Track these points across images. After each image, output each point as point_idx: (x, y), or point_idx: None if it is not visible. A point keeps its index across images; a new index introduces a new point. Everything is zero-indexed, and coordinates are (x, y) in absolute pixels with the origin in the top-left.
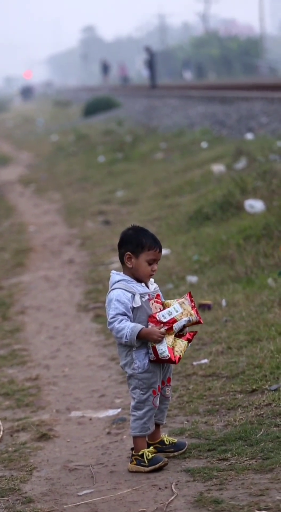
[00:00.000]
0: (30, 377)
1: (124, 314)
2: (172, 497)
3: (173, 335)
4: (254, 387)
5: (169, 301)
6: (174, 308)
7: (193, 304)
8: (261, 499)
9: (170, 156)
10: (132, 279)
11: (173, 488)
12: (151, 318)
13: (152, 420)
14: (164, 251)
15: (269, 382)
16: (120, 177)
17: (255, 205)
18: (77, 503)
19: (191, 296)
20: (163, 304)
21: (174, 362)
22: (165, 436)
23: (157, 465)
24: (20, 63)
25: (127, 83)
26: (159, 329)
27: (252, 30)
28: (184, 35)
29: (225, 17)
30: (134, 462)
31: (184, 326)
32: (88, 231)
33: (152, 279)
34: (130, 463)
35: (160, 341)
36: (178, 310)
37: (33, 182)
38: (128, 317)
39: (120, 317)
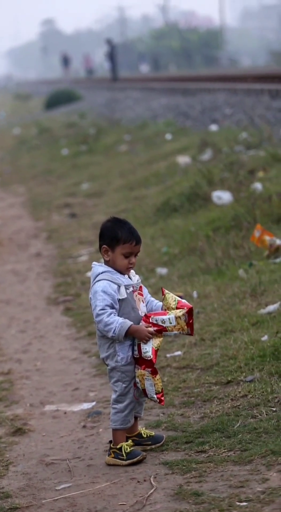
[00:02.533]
0: (2, 371)
1: (112, 307)
2: (152, 490)
3: (161, 339)
4: (229, 379)
5: (171, 295)
6: (169, 319)
7: (191, 321)
8: (242, 491)
9: (134, 148)
10: (115, 271)
11: (152, 481)
12: (145, 317)
13: (132, 413)
14: None
15: (244, 374)
16: (85, 170)
17: (222, 196)
18: (56, 498)
19: (190, 313)
20: (164, 296)
21: (152, 365)
22: (142, 429)
23: (135, 459)
24: None
25: (92, 75)
26: (147, 327)
27: (212, 22)
28: (144, 27)
29: (185, 9)
30: (113, 455)
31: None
32: (54, 224)
33: (132, 271)
34: (108, 456)
35: (146, 340)
36: (172, 322)
37: None
38: (115, 309)
39: (109, 310)
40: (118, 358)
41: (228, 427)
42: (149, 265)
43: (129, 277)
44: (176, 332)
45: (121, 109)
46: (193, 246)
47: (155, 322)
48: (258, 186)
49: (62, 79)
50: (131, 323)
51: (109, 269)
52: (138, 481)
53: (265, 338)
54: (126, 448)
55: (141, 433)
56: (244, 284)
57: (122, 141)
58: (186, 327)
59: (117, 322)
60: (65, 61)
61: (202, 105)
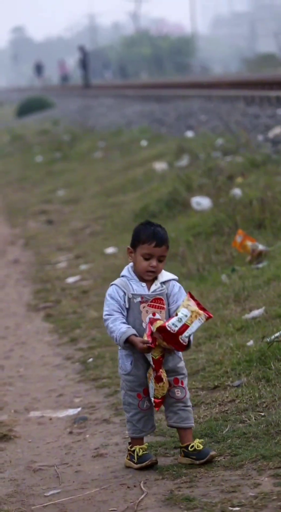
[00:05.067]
0: None
1: (119, 312)
2: (142, 496)
3: (160, 349)
4: (216, 384)
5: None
6: (182, 313)
7: (197, 302)
8: (234, 496)
9: (110, 154)
10: (135, 277)
11: (142, 487)
12: (160, 328)
13: (144, 423)
14: (112, 249)
15: (230, 379)
16: (60, 177)
17: (202, 202)
18: (45, 504)
19: (191, 296)
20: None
21: (156, 371)
22: (195, 441)
23: (144, 464)
24: None
25: (67, 82)
26: (143, 342)
27: (183, 29)
28: (115, 35)
29: (156, 16)
30: (128, 457)
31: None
32: (31, 231)
33: (161, 278)
34: (126, 457)
35: (145, 351)
36: (187, 314)
37: None
38: (123, 315)
39: (115, 315)
40: (120, 365)
41: (216, 432)
42: None
43: (149, 286)
44: (196, 323)
45: (95, 116)
46: (173, 252)
47: (173, 326)
48: (237, 191)
49: (34, 86)
50: (133, 332)
51: (129, 274)
52: (128, 487)
53: (250, 343)
54: (139, 451)
55: (188, 445)
56: (227, 290)
57: (97, 148)
58: (200, 311)
59: (119, 331)
60: (38, 69)
61: (177, 112)
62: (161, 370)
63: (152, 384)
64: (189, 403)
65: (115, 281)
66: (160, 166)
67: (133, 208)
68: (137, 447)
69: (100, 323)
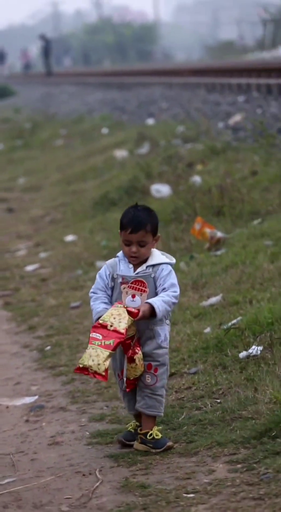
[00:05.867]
0: None
1: (103, 290)
2: (97, 483)
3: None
4: (172, 371)
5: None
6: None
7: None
8: (188, 483)
9: (71, 142)
10: (125, 258)
11: (98, 474)
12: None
13: (128, 403)
14: (71, 237)
15: (187, 366)
16: (21, 164)
17: (161, 189)
18: (0, 492)
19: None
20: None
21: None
22: (154, 429)
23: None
24: None
25: (29, 70)
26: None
27: (146, 16)
28: (78, 22)
29: (118, 3)
30: (139, 440)
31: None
32: None
33: (150, 262)
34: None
35: None
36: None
37: None
38: (107, 294)
39: (98, 294)
40: None
41: (172, 419)
42: (88, 258)
43: (137, 268)
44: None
45: (57, 103)
46: None
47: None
48: (197, 179)
49: None
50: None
51: (121, 255)
52: (83, 475)
53: (207, 330)
54: (128, 427)
55: (147, 433)
56: (185, 277)
57: (59, 136)
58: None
59: (96, 310)
60: (1, 56)
61: (138, 99)
62: (131, 351)
63: (125, 365)
64: (159, 392)
65: (108, 261)
66: (120, 153)
67: (93, 196)
68: (155, 430)
69: (59, 311)
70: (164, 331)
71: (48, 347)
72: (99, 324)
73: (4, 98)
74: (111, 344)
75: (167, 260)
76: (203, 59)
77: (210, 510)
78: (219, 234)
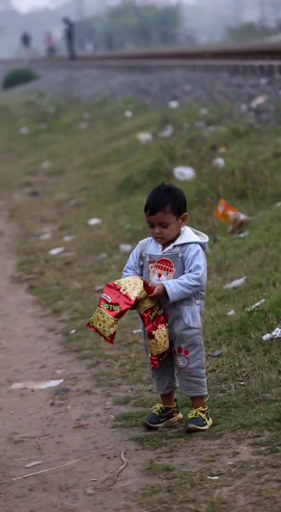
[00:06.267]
0: None
1: (132, 268)
2: (122, 466)
3: (144, 304)
4: None
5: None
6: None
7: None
8: (213, 465)
9: (94, 126)
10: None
11: (122, 457)
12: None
13: (157, 382)
14: (95, 221)
15: (211, 348)
16: (45, 148)
17: (185, 172)
18: (26, 475)
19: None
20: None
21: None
22: (195, 410)
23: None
24: None
25: (54, 54)
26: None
27: None
28: (101, 6)
29: None
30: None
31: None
32: (16, 203)
33: (179, 241)
34: None
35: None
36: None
37: None
38: (136, 272)
39: (129, 272)
40: None
41: None
42: (113, 242)
43: (166, 247)
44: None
45: (80, 87)
46: None
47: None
48: (220, 161)
49: (20, 58)
50: None
51: None
52: (108, 457)
53: (231, 312)
54: (153, 409)
55: (168, 407)
56: (208, 260)
57: (82, 119)
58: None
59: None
60: (26, 40)
61: (161, 82)
62: (151, 326)
63: (146, 342)
64: (195, 373)
65: (140, 241)
66: (144, 136)
67: (116, 179)
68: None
69: (83, 294)
70: (192, 310)
71: (73, 331)
72: (114, 285)
73: (28, 82)
74: (118, 310)
75: (196, 239)
76: (225, 42)
77: (234, 492)
78: (242, 216)
